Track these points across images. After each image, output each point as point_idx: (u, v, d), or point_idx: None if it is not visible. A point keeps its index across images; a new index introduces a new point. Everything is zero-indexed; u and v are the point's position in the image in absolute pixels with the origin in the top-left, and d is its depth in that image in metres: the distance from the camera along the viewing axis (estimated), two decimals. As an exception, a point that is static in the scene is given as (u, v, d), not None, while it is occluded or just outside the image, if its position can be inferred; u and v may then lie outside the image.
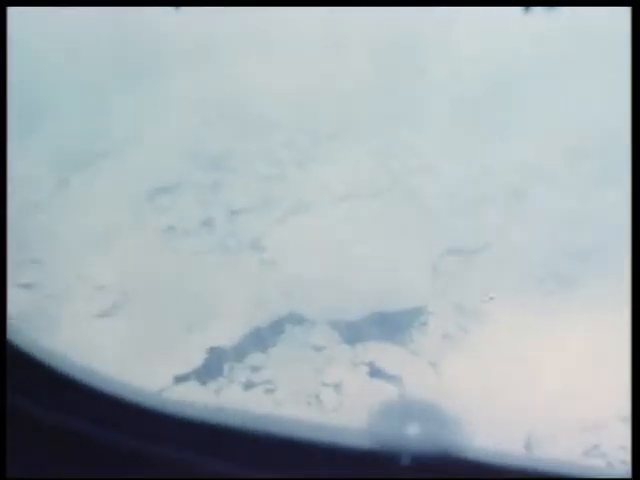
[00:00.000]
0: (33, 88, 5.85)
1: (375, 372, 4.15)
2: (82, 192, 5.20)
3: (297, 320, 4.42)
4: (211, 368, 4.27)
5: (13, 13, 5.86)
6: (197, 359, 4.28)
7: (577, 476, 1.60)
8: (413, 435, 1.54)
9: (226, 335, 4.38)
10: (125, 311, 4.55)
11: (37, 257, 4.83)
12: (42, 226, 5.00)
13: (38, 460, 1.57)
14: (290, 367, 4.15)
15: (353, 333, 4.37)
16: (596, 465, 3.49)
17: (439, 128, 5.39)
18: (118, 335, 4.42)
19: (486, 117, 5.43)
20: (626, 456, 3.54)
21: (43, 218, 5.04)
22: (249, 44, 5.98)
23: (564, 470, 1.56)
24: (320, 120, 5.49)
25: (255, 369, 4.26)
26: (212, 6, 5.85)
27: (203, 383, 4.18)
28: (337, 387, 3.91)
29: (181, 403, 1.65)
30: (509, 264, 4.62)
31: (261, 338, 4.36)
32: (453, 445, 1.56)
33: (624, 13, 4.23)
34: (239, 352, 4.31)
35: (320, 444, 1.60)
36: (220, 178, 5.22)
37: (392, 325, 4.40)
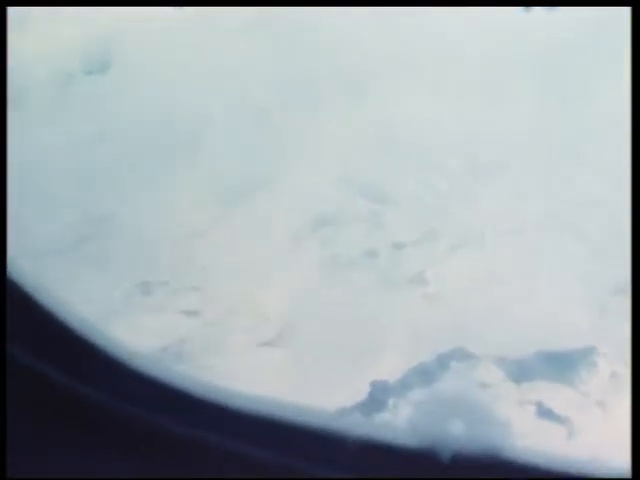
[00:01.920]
0: (192, 115, 5.95)
1: (543, 412, 4.09)
2: (243, 221, 5.25)
3: (462, 356, 4.38)
4: (375, 402, 4.26)
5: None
6: (361, 393, 4.28)
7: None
8: (456, 433, 1.51)
9: (390, 369, 4.36)
10: (288, 341, 4.58)
11: (199, 285, 4.90)
12: (204, 254, 5.06)
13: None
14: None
15: (519, 371, 4.31)
16: None
17: (604, 160, 5.29)
18: (281, 365, 4.45)
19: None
20: None
21: (205, 246, 5.11)
22: (404, 69, 5.97)
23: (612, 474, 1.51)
24: (481, 150, 5.45)
25: (420, 404, 4.23)
26: (213, 6, 5.88)
27: (367, 417, 4.17)
28: (504, 426, 3.83)
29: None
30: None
31: (425, 373, 4.33)
32: (497, 445, 1.52)
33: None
34: (403, 387, 4.30)
35: (362, 439, 1.58)
36: (380, 209, 5.22)
37: (559, 364, 4.33)
